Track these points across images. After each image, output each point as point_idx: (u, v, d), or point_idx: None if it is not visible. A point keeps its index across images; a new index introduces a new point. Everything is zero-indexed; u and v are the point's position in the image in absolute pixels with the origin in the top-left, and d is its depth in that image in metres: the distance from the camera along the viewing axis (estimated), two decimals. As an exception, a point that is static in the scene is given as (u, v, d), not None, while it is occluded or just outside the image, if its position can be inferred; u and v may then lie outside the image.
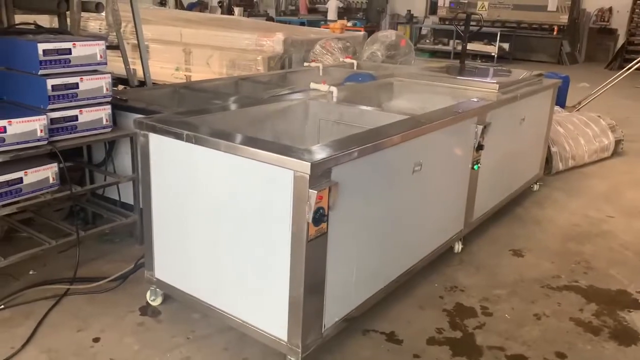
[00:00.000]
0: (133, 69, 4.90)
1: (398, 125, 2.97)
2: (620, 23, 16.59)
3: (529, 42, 16.39)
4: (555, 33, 16.06)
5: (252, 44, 6.64)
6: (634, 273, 3.72)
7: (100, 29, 7.36)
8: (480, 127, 3.55)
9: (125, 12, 4.80)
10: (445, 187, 3.47)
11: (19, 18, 3.96)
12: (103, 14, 4.67)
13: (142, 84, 4.91)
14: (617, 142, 6.48)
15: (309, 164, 2.18)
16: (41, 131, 2.96)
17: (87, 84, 3.18)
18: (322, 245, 2.39)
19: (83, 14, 4.31)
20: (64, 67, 3.09)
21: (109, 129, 3.35)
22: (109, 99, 3.31)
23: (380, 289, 2.96)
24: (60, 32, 3.85)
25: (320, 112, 3.57)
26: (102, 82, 3.24)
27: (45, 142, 3.01)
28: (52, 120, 3.05)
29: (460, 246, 3.84)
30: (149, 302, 3.05)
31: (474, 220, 3.93)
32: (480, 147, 3.62)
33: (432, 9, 18.56)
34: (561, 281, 3.58)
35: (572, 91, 7.31)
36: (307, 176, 2.20)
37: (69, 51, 3.09)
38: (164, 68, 7.19)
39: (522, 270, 3.69)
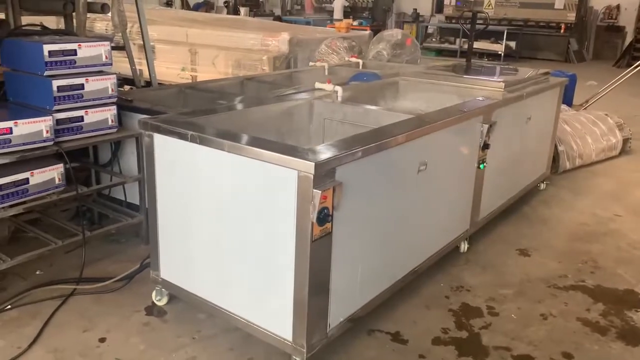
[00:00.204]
0: (139, 69, 4.91)
1: (403, 124, 2.96)
2: (628, 20, 16.48)
3: (536, 40, 16.31)
4: (562, 31, 15.97)
5: (258, 44, 6.65)
6: (642, 272, 3.70)
7: (106, 29, 7.39)
8: (486, 126, 3.54)
9: (131, 13, 4.82)
10: (450, 187, 3.46)
11: (25, 19, 3.98)
12: (109, 14, 4.68)
13: (148, 84, 4.93)
14: (625, 141, 6.44)
15: (313, 163, 2.18)
16: (47, 132, 2.97)
17: (93, 84, 3.19)
18: (326, 245, 2.39)
19: (89, 15, 4.33)
20: (69, 68, 3.10)
21: (115, 130, 3.36)
22: (114, 100, 3.32)
23: (385, 288, 2.96)
24: (66, 33, 3.86)
25: (325, 111, 3.56)
26: (107, 83, 3.25)
27: (51, 143, 3.02)
28: (58, 121, 3.07)
29: (466, 246, 3.83)
30: (155, 302, 3.06)
31: (480, 219, 3.92)
32: (486, 146, 3.60)
33: (438, 7, 18.51)
34: (568, 281, 3.56)
35: (579, 89, 7.27)
36: (311, 176, 2.19)
37: (74, 52, 3.10)
38: (170, 68, 7.22)
39: (529, 270, 3.67)
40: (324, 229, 2.32)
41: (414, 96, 4.41)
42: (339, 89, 3.56)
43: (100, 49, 3.22)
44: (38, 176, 3.02)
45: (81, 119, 3.18)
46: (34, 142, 2.94)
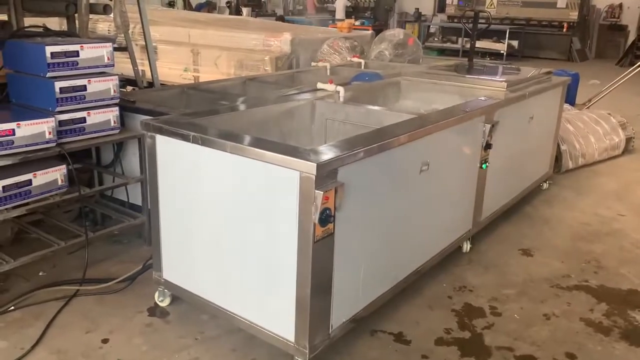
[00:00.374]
0: (141, 70, 4.92)
1: (405, 124, 2.96)
2: (630, 19, 16.44)
3: (538, 39, 16.27)
4: (565, 30, 15.93)
5: (260, 44, 6.65)
6: (645, 272, 3.69)
7: (109, 30, 7.40)
8: (489, 126, 3.53)
9: (133, 14, 4.83)
10: (453, 187, 3.45)
11: (28, 21, 3.98)
12: (111, 16, 4.68)
13: (150, 85, 4.93)
14: (628, 140, 6.42)
15: (315, 164, 2.18)
16: (49, 133, 2.98)
17: (95, 86, 3.19)
18: (328, 245, 2.39)
19: (92, 16, 4.33)
20: (71, 69, 3.11)
21: (117, 131, 3.37)
22: (116, 101, 3.33)
23: (388, 289, 2.96)
24: (69, 34, 3.87)
25: (327, 112, 3.56)
26: (109, 84, 3.26)
27: (54, 144, 3.03)
28: (60, 123, 3.07)
29: (469, 246, 3.83)
30: (158, 303, 3.07)
31: (482, 219, 3.91)
32: (488, 146, 3.60)
33: (440, 6, 18.48)
34: (571, 281, 3.55)
35: (582, 88, 7.26)
36: (313, 177, 2.19)
37: (76, 53, 3.11)
38: (172, 69, 7.21)
39: (532, 270, 3.67)
40: (326, 230, 2.32)
41: (416, 96, 4.41)
42: (341, 89, 3.56)
43: (103, 50, 3.23)
44: (41, 177, 3.02)
45: (83, 120, 3.19)
46: (37, 144, 2.95)
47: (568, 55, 16.00)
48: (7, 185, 2.87)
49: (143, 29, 4.74)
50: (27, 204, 3.02)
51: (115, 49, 3.38)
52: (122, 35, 4.73)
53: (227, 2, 18.19)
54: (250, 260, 2.56)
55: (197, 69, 7.21)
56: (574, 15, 15.78)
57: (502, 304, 3.25)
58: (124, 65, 4.66)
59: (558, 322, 3.09)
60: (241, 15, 15.57)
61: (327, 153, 2.33)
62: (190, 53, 7.22)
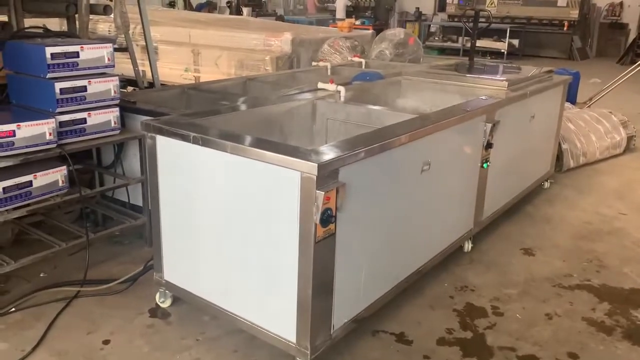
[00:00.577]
0: (142, 70, 4.91)
1: (406, 124, 2.95)
2: (631, 17, 16.42)
3: (538, 38, 16.26)
4: (565, 28, 15.91)
5: (260, 44, 6.65)
6: (647, 271, 3.68)
7: (109, 31, 7.39)
8: (490, 125, 3.52)
9: (133, 14, 4.82)
10: (454, 187, 3.45)
11: (28, 22, 3.98)
12: (111, 16, 4.68)
13: (151, 85, 4.92)
14: (629, 139, 6.41)
15: (316, 164, 2.17)
16: (50, 134, 2.97)
17: (95, 86, 3.19)
18: (330, 246, 2.38)
19: (92, 16, 4.33)
20: (71, 70, 3.10)
21: (118, 131, 3.36)
22: (117, 102, 3.32)
23: (389, 289, 2.95)
24: (69, 35, 3.87)
25: (328, 111, 3.56)
26: (110, 85, 3.25)
27: (54, 145, 3.02)
28: (61, 124, 3.06)
29: (470, 245, 3.82)
30: (159, 304, 3.06)
31: (483, 219, 3.90)
32: (489, 146, 3.59)
33: (441, 6, 18.46)
34: (573, 280, 3.54)
35: (583, 87, 7.24)
36: (315, 177, 2.19)
37: (76, 54, 3.10)
38: (173, 69, 7.22)
39: (533, 269, 3.66)
40: (327, 230, 2.31)
41: (417, 96, 4.40)
42: (341, 88, 3.56)
43: (103, 51, 3.22)
44: (41, 179, 3.02)
45: (84, 121, 3.18)
46: (37, 145, 2.94)
47: (569, 53, 15.99)
48: (7, 187, 2.86)
49: (143, 30, 4.73)
50: (28, 205, 3.02)
51: (115, 50, 3.37)
52: (123, 35, 4.72)
53: (227, 2, 18.17)
54: (251, 260, 2.55)
55: (198, 69, 7.21)
56: (574, 13, 15.75)
57: (504, 303, 3.24)
58: (124, 66, 4.66)
59: (560, 322, 3.08)
60: (242, 15, 15.55)
61: (328, 153, 2.32)
62: (191, 53, 7.22)
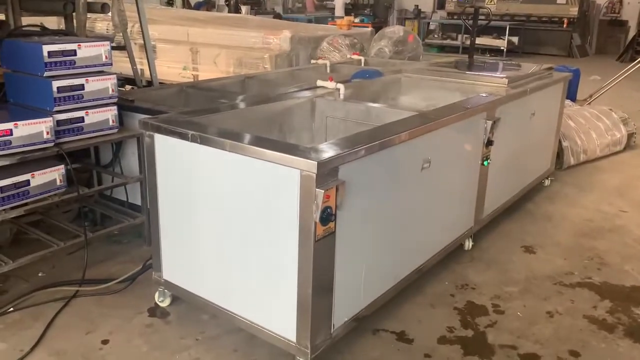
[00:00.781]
0: (140, 69, 4.89)
1: (406, 122, 2.93)
2: (631, 14, 16.41)
3: (538, 35, 16.23)
4: (565, 26, 15.88)
5: (259, 42, 6.63)
6: (649, 269, 3.67)
7: (107, 29, 7.38)
8: (490, 123, 3.51)
9: (131, 13, 4.80)
10: (454, 184, 3.43)
11: (25, 20, 3.96)
12: (109, 14, 4.66)
13: (149, 83, 4.91)
14: (630, 136, 6.40)
15: (316, 162, 2.16)
16: (47, 133, 2.96)
17: (93, 85, 3.17)
18: (330, 244, 2.36)
19: (90, 15, 4.31)
20: (69, 68, 3.08)
21: (116, 130, 3.34)
22: (115, 100, 3.30)
23: (390, 287, 2.94)
24: (66, 33, 3.85)
25: (327, 109, 3.54)
26: (107, 83, 3.23)
27: (52, 144, 3.00)
28: (58, 122, 3.05)
29: (471, 243, 3.80)
30: (158, 303, 3.05)
31: (484, 217, 3.89)
32: (489, 143, 3.57)
33: (440, 3, 18.42)
34: (574, 278, 3.53)
35: (583, 84, 7.22)
36: (314, 175, 2.17)
37: (74, 52, 3.08)
38: (171, 67, 7.20)
39: (534, 267, 3.64)
40: (327, 229, 2.30)
41: (417, 93, 4.38)
42: (341, 86, 3.54)
43: (100, 49, 3.20)
44: (39, 178, 3.00)
45: (82, 119, 3.16)
46: (35, 144, 2.92)
47: (568, 51, 15.96)
48: (5, 186, 2.85)
49: (141, 28, 4.72)
50: (26, 204, 3.00)
51: (113, 48, 3.36)
52: (121, 34, 4.71)
53: (225, 0, 18.13)
54: (251, 259, 2.53)
55: (196, 68, 7.20)
56: (574, 11, 15.73)
57: (505, 301, 3.22)
58: (122, 64, 4.63)
59: (561, 320, 3.07)
60: (240, 13, 15.53)
61: (328, 151, 2.31)
62: (189, 51, 7.20)
